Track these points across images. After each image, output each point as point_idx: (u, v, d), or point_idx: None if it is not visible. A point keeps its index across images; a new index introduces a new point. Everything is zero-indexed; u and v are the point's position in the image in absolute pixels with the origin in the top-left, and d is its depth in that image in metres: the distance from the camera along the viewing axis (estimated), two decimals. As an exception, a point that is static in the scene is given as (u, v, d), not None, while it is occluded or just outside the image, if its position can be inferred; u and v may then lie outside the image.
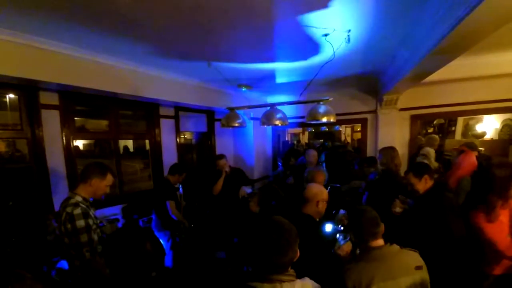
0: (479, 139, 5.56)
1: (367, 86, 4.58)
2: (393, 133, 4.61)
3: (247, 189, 3.77)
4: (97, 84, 2.79)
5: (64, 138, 3.00)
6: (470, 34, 1.76)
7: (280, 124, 2.99)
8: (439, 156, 4.10)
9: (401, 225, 2.15)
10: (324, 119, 2.62)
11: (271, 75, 3.74)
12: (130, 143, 5.08)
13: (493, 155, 4.28)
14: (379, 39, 2.53)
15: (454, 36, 1.75)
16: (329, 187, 3.25)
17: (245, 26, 2.16)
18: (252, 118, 5.13)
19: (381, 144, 4.64)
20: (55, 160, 2.92)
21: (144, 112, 3.98)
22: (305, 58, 2.98)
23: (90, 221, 1.79)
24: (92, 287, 1.73)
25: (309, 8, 1.91)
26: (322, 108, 2.65)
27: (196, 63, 3.09)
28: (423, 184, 2.10)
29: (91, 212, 1.87)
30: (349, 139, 10.10)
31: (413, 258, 1.41)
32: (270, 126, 5.38)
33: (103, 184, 1.95)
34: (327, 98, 2.69)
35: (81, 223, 1.73)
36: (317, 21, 2.10)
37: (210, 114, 5.05)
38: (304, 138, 11.00)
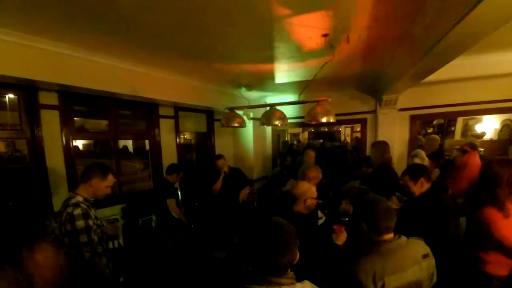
0: (479, 140, 5.56)
1: (367, 86, 4.58)
2: (392, 133, 4.61)
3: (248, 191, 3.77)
4: (96, 84, 2.79)
5: (63, 138, 3.00)
6: (469, 34, 1.77)
7: (279, 124, 2.99)
8: (439, 156, 4.08)
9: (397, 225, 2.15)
10: (324, 119, 2.62)
11: (270, 75, 3.74)
12: (129, 143, 5.08)
13: (493, 156, 4.29)
14: (379, 39, 2.53)
15: (453, 36, 1.76)
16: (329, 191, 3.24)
17: (245, 26, 2.16)
18: (252, 118, 5.13)
19: (381, 144, 4.66)
20: (55, 160, 2.91)
21: (143, 112, 3.97)
22: (304, 58, 2.98)
23: (90, 222, 1.78)
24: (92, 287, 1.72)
25: (309, 8, 1.91)
26: (321, 108, 2.65)
27: (196, 63, 3.09)
28: (418, 187, 2.07)
29: (92, 212, 1.87)
30: (348, 139, 10.10)
31: (420, 247, 1.42)
32: (270, 126, 5.40)
33: (103, 184, 1.94)
34: (326, 98, 2.69)
35: (81, 223, 1.72)
36: (317, 21, 2.10)
37: (209, 114, 5.05)
38: (304, 137, 11.00)
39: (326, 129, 9.85)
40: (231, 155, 5.40)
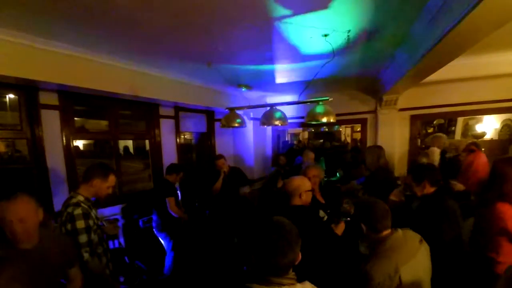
0: (479, 139, 5.56)
1: (367, 86, 4.58)
2: (393, 133, 4.61)
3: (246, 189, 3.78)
4: (96, 84, 2.79)
5: (64, 138, 3.00)
6: (469, 34, 1.76)
7: (280, 124, 2.99)
8: (442, 155, 4.07)
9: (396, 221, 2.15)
10: (324, 119, 2.62)
11: (271, 75, 3.75)
12: (130, 143, 5.09)
13: (493, 155, 4.28)
14: (379, 39, 2.53)
15: (453, 36, 1.75)
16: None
17: (245, 26, 2.16)
18: (252, 118, 5.14)
19: (381, 144, 4.64)
20: (55, 160, 2.91)
21: (143, 112, 3.97)
22: (305, 58, 2.98)
23: (91, 222, 1.78)
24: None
25: (310, 9, 1.92)
26: (321, 108, 2.65)
27: (196, 63, 3.09)
28: (420, 189, 2.04)
29: (93, 212, 1.87)
30: (349, 139, 10.09)
31: (413, 233, 1.49)
32: (270, 126, 5.40)
33: (104, 185, 1.94)
34: (327, 98, 2.69)
35: (81, 223, 1.72)
36: (317, 21, 2.10)
37: (210, 114, 5.05)
38: (304, 137, 10.99)
39: (327, 129, 9.84)
40: (231, 155, 5.40)
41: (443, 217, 1.87)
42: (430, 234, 1.75)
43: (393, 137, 4.60)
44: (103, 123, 3.63)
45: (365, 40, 2.52)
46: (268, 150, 5.96)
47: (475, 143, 3.43)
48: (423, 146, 4.63)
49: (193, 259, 3.44)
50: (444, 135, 4.54)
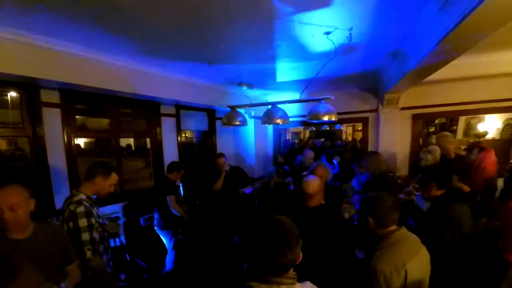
0: (481, 139, 5.54)
1: (369, 85, 4.56)
2: (394, 132, 4.60)
3: (246, 190, 3.77)
4: (98, 82, 2.79)
5: (65, 137, 3.00)
6: (472, 33, 1.75)
7: (281, 123, 2.98)
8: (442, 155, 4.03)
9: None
10: (325, 118, 2.61)
11: (272, 74, 3.74)
12: (131, 142, 5.08)
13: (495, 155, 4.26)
14: (381, 37, 2.52)
15: (455, 34, 1.74)
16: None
17: (246, 24, 2.16)
18: (253, 117, 5.13)
19: (383, 143, 4.65)
20: (57, 159, 2.92)
21: (144, 111, 3.98)
22: (306, 56, 2.97)
23: (93, 220, 1.79)
24: (93, 286, 1.73)
25: (311, 6, 1.91)
26: (323, 107, 2.64)
27: (197, 61, 3.09)
28: (427, 191, 2.02)
29: (94, 210, 1.88)
30: (350, 138, 10.06)
31: (414, 235, 1.50)
32: (271, 125, 5.39)
33: (107, 183, 1.95)
34: (328, 96, 2.68)
35: (83, 221, 1.73)
36: (319, 19, 2.09)
37: (211, 112, 5.05)
38: (305, 136, 10.96)
39: (328, 128, 9.81)
40: (232, 154, 5.40)
41: (445, 224, 1.84)
42: (433, 239, 1.76)
43: (395, 136, 4.59)
44: (104, 122, 3.63)
45: (367, 38, 2.50)
46: (269, 148, 5.96)
47: (478, 143, 3.40)
48: (425, 148, 4.57)
49: (194, 257, 3.44)
50: (450, 134, 4.50)
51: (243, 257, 3.13)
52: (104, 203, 3.29)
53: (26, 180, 2.74)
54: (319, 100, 2.69)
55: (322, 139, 9.11)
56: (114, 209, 3.44)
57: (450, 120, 6.50)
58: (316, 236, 1.72)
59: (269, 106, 3.05)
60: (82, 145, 3.75)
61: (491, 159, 3.09)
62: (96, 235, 1.81)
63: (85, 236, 1.72)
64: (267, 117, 2.99)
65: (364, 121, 5.00)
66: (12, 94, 2.69)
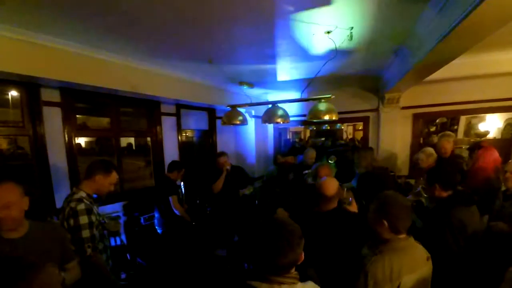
0: (482, 138, 5.53)
1: (369, 84, 4.56)
2: (395, 131, 4.59)
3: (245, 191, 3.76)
4: (98, 81, 2.79)
5: (65, 135, 3.00)
6: (473, 32, 1.74)
7: (281, 122, 2.98)
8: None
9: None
10: (326, 117, 2.60)
11: (272, 73, 3.73)
12: (131, 141, 5.09)
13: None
14: (382, 37, 2.51)
15: (456, 33, 1.73)
16: None
17: (247, 23, 2.15)
18: (254, 116, 5.13)
19: (383, 143, 4.64)
20: (57, 157, 2.92)
21: (145, 110, 3.98)
22: (307, 55, 2.96)
23: (93, 218, 1.79)
24: (93, 283, 1.73)
25: (312, 5, 1.90)
26: (323, 106, 2.64)
27: (197, 60, 3.08)
28: (431, 191, 1.97)
29: (95, 208, 1.88)
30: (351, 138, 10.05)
31: (423, 249, 1.42)
32: (272, 124, 5.39)
33: (107, 181, 1.96)
34: (329, 95, 2.68)
35: (84, 218, 1.73)
36: (320, 18, 2.09)
37: (211, 111, 5.04)
38: (306, 135, 10.95)
39: (328, 127, 9.80)
40: (232, 153, 5.40)
41: (448, 228, 1.78)
42: (435, 241, 1.73)
43: (395, 136, 4.58)
44: (105, 121, 3.64)
45: (368, 37, 2.50)
46: (270, 148, 5.96)
47: (481, 142, 3.38)
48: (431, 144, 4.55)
49: (194, 256, 3.44)
50: (452, 134, 4.47)
51: (243, 256, 3.13)
52: (105, 202, 3.29)
53: (27, 179, 2.75)
54: (319, 99, 2.69)
55: (323, 139, 9.10)
56: (114, 208, 3.45)
57: (451, 120, 6.48)
58: (336, 241, 1.70)
59: (270, 105, 3.05)
60: (83, 144, 3.76)
61: (490, 158, 3.04)
62: (96, 232, 1.81)
63: (86, 233, 1.73)
64: (268, 116, 2.99)
65: (365, 120, 4.99)
66: (13, 93, 2.69)
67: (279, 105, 3.01)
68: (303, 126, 9.86)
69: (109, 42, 2.53)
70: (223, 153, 3.78)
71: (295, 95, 5.07)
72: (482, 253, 1.88)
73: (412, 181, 3.96)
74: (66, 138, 3.01)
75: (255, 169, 5.35)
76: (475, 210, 1.90)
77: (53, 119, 2.89)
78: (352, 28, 2.26)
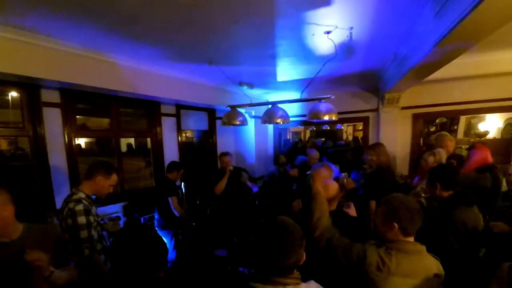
0: (482, 138, 5.53)
1: (369, 84, 4.56)
2: (395, 131, 4.59)
3: (252, 186, 3.72)
4: (98, 82, 2.79)
5: (66, 136, 3.00)
6: (473, 32, 1.75)
7: (281, 122, 2.98)
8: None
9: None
10: (326, 117, 2.60)
11: (272, 73, 3.73)
12: (131, 141, 5.09)
13: (496, 155, 4.24)
14: (381, 37, 2.51)
15: (456, 33, 1.73)
16: None
17: (246, 23, 2.15)
18: (254, 117, 5.13)
19: (383, 143, 4.63)
20: (57, 158, 2.92)
21: (145, 110, 3.98)
22: (307, 55, 2.97)
23: (91, 218, 1.79)
24: (90, 284, 1.73)
25: (311, 5, 1.90)
26: (323, 106, 2.64)
27: (197, 61, 3.08)
28: (433, 191, 1.96)
29: (93, 209, 1.88)
30: (351, 138, 10.06)
31: (435, 265, 1.36)
32: (272, 125, 5.39)
33: (107, 183, 1.96)
34: (329, 96, 2.68)
35: (82, 219, 1.73)
36: (319, 18, 2.09)
37: (211, 112, 5.05)
38: (306, 135, 10.97)
39: (328, 128, 9.81)
40: (232, 153, 5.38)
41: (450, 229, 1.77)
42: (436, 242, 1.71)
43: (395, 136, 4.58)
44: (105, 121, 3.64)
45: (367, 37, 2.50)
46: (270, 148, 5.96)
47: (480, 142, 3.38)
48: (424, 148, 4.56)
49: (195, 257, 3.44)
50: (447, 134, 4.47)
51: (242, 257, 3.13)
52: (105, 203, 3.30)
53: (27, 179, 2.75)
54: (319, 99, 2.69)
55: (323, 139, 9.11)
56: (114, 208, 3.45)
57: (450, 120, 6.49)
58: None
59: (270, 106, 3.05)
60: (83, 145, 3.76)
61: (478, 157, 2.97)
62: (94, 233, 1.82)
63: (84, 234, 1.73)
64: (268, 117, 2.99)
65: (365, 120, 4.99)
66: (13, 93, 2.69)
67: (279, 105, 3.01)
68: (303, 126, 9.89)
69: (109, 43, 2.53)
70: (226, 153, 3.72)
71: (295, 95, 5.07)
72: (483, 253, 1.88)
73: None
74: (66, 139, 3.01)
75: (255, 169, 5.35)
76: (477, 210, 1.89)
77: (53, 120, 2.89)
78: (351, 28, 2.26)
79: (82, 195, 1.86)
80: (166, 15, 1.99)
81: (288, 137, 10.04)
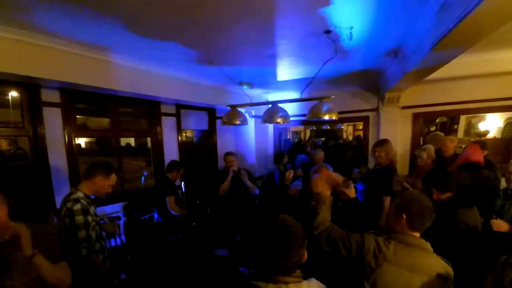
0: (482, 138, 5.53)
1: (369, 84, 4.56)
2: (395, 131, 4.59)
3: (255, 189, 3.69)
4: (98, 81, 2.79)
5: (66, 136, 3.00)
6: (473, 31, 1.74)
7: (281, 122, 2.98)
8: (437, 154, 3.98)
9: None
10: (326, 117, 2.60)
11: (272, 73, 3.73)
12: (131, 141, 5.10)
13: (496, 154, 4.24)
14: (381, 36, 2.51)
15: (457, 33, 1.73)
16: None
17: (247, 23, 2.15)
18: (254, 116, 5.13)
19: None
20: (57, 158, 2.92)
21: (145, 110, 3.97)
22: (307, 55, 2.96)
23: (89, 218, 1.79)
24: (89, 284, 1.73)
25: (311, 5, 1.90)
26: (324, 106, 2.64)
27: (197, 60, 3.08)
28: (430, 196, 1.89)
29: (91, 209, 1.88)
30: (350, 137, 10.07)
31: (442, 266, 1.33)
32: (272, 124, 5.38)
33: (106, 183, 1.97)
34: (329, 95, 2.68)
35: (79, 219, 1.74)
36: (319, 18, 2.09)
37: (211, 111, 5.04)
38: (305, 135, 10.97)
39: (328, 127, 9.81)
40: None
41: (453, 229, 1.76)
42: (442, 244, 1.67)
43: (395, 135, 4.57)
44: (105, 121, 3.64)
45: (367, 37, 2.50)
46: (270, 148, 5.96)
47: (479, 141, 3.37)
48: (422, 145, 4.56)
49: (195, 257, 3.44)
50: (441, 134, 4.49)
51: (243, 257, 3.13)
52: (105, 203, 3.30)
53: (27, 179, 2.75)
54: (319, 99, 2.69)
55: (323, 138, 9.12)
56: (114, 208, 3.45)
57: (451, 119, 6.49)
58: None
59: (270, 105, 3.05)
60: (83, 145, 3.77)
61: (462, 155, 2.94)
62: (92, 233, 1.82)
63: (81, 234, 1.73)
64: (268, 116, 2.99)
65: (365, 120, 4.99)
66: (13, 93, 2.69)
67: (279, 105, 3.01)
68: (303, 126, 9.89)
69: (109, 43, 2.52)
70: (230, 153, 3.64)
71: (295, 95, 5.07)
72: (483, 251, 1.88)
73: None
74: (66, 139, 3.01)
75: (255, 169, 5.34)
76: (476, 211, 1.89)
77: (53, 119, 2.89)
78: (351, 27, 2.26)
79: (80, 194, 1.86)
80: (167, 15, 1.99)
81: (288, 137, 10.04)
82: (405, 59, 2.82)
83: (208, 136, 5.13)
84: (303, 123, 5.83)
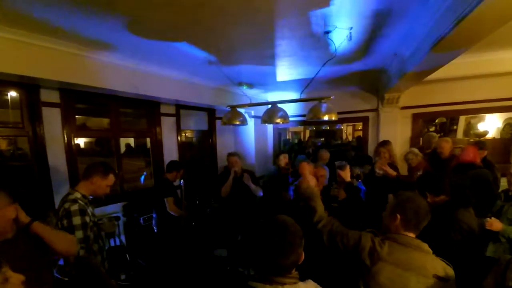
0: (481, 138, 5.54)
1: (369, 84, 4.56)
2: (394, 131, 4.59)
3: (259, 191, 3.66)
4: (98, 82, 2.79)
5: (65, 136, 3.00)
6: (472, 32, 1.75)
7: (281, 122, 2.99)
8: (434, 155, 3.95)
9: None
10: (326, 117, 2.61)
11: (272, 73, 3.73)
12: (131, 141, 5.10)
13: (496, 154, 4.24)
14: (381, 37, 2.51)
15: (456, 33, 1.74)
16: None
17: (247, 24, 2.15)
18: (253, 116, 5.13)
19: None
20: (57, 158, 2.92)
21: (145, 110, 3.97)
22: (306, 55, 2.96)
23: (87, 219, 1.79)
24: (87, 285, 1.72)
25: (311, 5, 1.90)
26: (323, 106, 2.64)
27: (197, 60, 3.08)
28: (426, 199, 1.88)
29: (89, 209, 1.88)
30: (350, 138, 10.07)
31: (441, 267, 1.31)
32: (271, 124, 5.39)
33: (104, 183, 1.97)
34: (328, 96, 2.68)
35: (77, 219, 1.73)
36: (319, 18, 2.09)
37: (211, 112, 5.04)
38: (305, 136, 10.97)
39: (328, 128, 9.82)
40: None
41: (455, 230, 1.76)
42: (438, 243, 1.69)
43: (395, 136, 4.58)
44: (105, 121, 3.64)
45: (367, 37, 2.50)
46: (269, 148, 5.96)
47: (478, 142, 3.38)
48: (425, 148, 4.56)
49: (194, 257, 3.44)
50: (435, 134, 4.49)
51: (243, 257, 3.13)
52: (105, 203, 3.29)
53: (26, 179, 2.75)
54: (319, 99, 2.69)
55: (322, 139, 9.12)
56: (114, 208, 3.45)
57: (450, 120, 6.49)
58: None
59: (269, 106, 3.05)
60: (82, 145, 3.77)
61: (463, 157, 2.96)
62: (90, 234, 1.81)
63: (79, 234, 1.73)
64: (267, 117, 2.99)
65: (364, 120, 5.00)
66: (12, 93, 2.69)
67: (279, 105, 3.01)
68: (302, 126, 9.89)
69: (109, 43, 2.52)
70: (234, 153, 3.53)
71: (295, 95, 5.07)
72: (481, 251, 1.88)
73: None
74: (66, 139, 3.01)
75: (255, 169, 5.34)
76: (472, 211, 1.90)
77: (52, 119, 2.89)
78: (351, 28, 2.26)
79: (78, 195, 1.86)
80: (167, 15, 1.99)
81: (287, 137, 10.04)
82: (405, 60, 2.82)
83: (207, 137, 5.13)
84: (303, 123, 5.83)
